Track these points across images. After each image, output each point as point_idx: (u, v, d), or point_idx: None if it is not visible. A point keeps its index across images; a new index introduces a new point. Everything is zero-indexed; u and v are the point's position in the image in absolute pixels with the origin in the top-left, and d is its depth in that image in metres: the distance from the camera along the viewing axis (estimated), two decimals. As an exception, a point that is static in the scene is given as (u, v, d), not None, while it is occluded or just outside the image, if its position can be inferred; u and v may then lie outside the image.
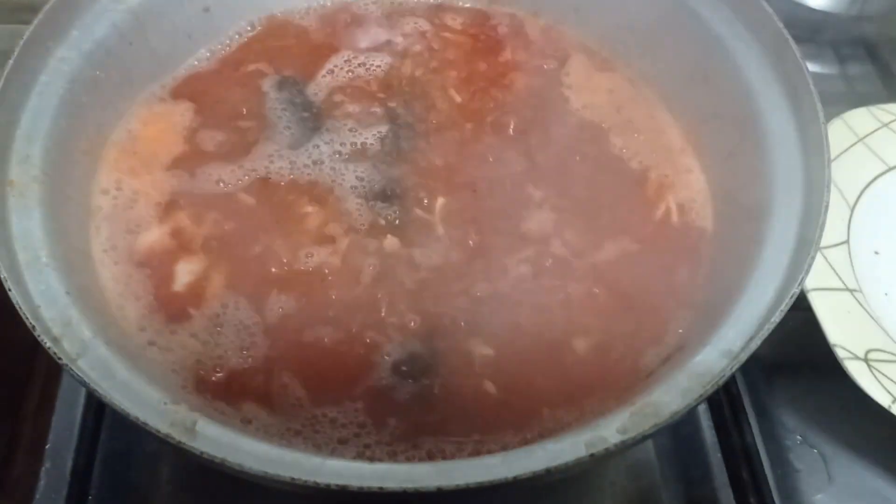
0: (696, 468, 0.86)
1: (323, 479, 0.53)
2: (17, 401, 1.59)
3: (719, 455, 0.85)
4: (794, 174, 0.71)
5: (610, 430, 0.57)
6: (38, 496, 0.83)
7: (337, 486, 0.53)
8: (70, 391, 0.88)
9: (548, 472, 0.54)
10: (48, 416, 1.66)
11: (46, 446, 0.87)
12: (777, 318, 0.60)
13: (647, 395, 0.60)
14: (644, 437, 0.57)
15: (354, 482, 0.53)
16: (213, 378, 0.69)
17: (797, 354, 0.94)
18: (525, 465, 0.55)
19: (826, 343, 0.81)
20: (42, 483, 0.84)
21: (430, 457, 0.65)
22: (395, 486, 0.53)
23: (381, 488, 0.53)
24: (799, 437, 0.90)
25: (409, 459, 0.65)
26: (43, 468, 0.85)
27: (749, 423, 0.84)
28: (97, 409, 0.84)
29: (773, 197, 0.70)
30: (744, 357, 0.59)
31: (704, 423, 0.86)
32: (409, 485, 0.53)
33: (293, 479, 0.53)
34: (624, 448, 0.56)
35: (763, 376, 0.93)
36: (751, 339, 0.62)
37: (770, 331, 0.60)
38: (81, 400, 0.86)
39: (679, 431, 0.86)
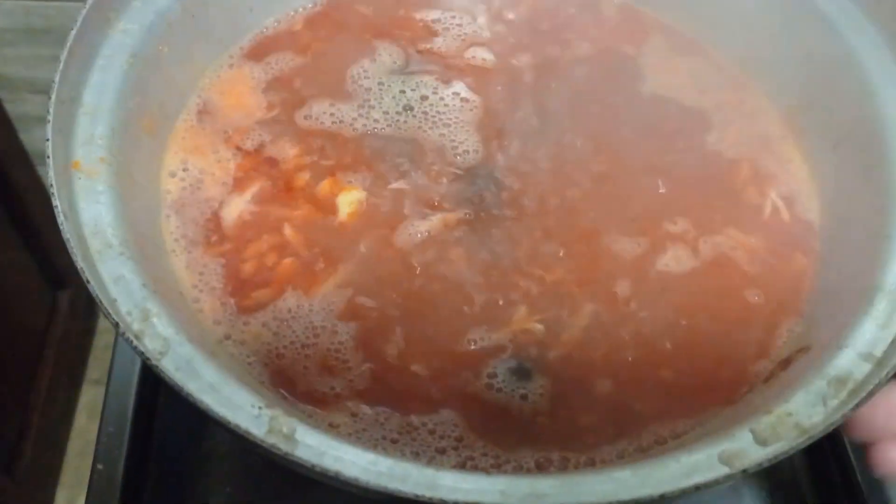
0: (780, 473, 0.81)
1: (451, 497, 0.48)
2: (25, 391, 1.56)
3: (806, 460, 0.81)
4: (920, 164, 0.66)
5: (748, 441, 0.53)
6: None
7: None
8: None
9: (697, 488, 0.49)
10: (56, 407, 1.64)
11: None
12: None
13: (784, 402, 0.55)
14: (793, 451, 0.52)
15: (487, 499, 0.48)
16: (293, 377, 0.64)
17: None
18: (660, 478, 0.50)
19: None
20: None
21: (539, 468, 0.60)
22: (531, 504, 0.48)
23: (515, 507, 0.48)
24: None
25: (516, 470, 0.60)
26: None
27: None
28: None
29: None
30: (895, 363, 0.54)
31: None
32: (548, 503, 0.48)
33: (417, 496, 0.48)
34: (775, 461, 0.51)
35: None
36: (893, 342, 0.57)
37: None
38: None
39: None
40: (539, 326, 0.67)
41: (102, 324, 1.89)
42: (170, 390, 0.80)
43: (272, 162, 0.75)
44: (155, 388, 0.83)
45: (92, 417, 1.80)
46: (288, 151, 0.75)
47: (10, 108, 1.37)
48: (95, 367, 1.86)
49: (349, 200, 0.72)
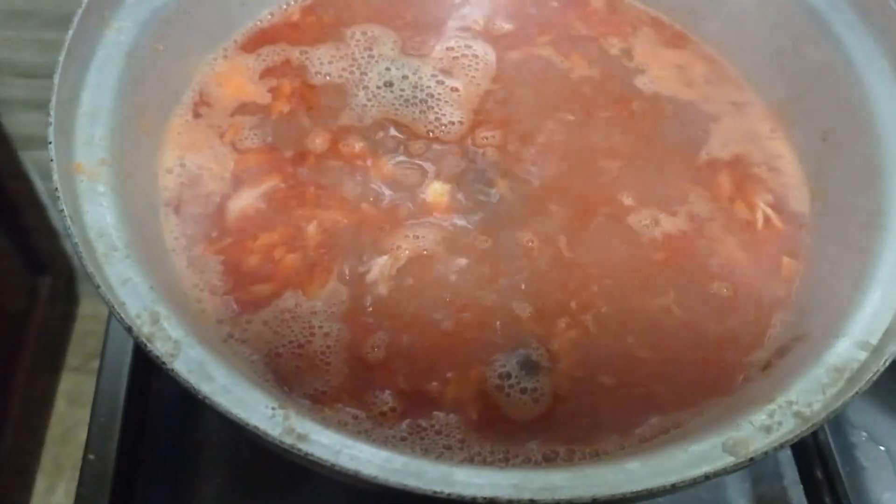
0: (764, 465, 0.83)
1: (467, 492, 0.49)
2: (5, 377, 1.55)
3: (789, 452, 0.82)
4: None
5: (751, 429, 0.54)
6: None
7: (484, 498, 0.49)
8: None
9: (707, 478, 0.51)
10: (36, 393, 1.63)
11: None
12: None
13: (784, 391, 0.57)
14: (796, 438, 0.54)
15: (502, 493, 0.49)
16: (289, 376, 0.65)
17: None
18: (669, 468, 0.52)
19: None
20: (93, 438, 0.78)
21: (547, 460, 0.62)
22: (547, 497, 0.49)
23: (532, 501, 0.49)
24: (864, 434, 0.87)
25: (525, 463, 0.61)
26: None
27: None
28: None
29: (888, 179, 0.67)
30: (892, 350, 0.56)
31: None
32: (563, 495, 0.49)
33: (434, 492, 0.49)
34: (780, 448, 0.53)
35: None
36: (887, 330, 0.59)
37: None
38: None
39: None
40: (541, 321, 0.68)
41: (83, 310, 1.88)
42: (161, 380, 0.81)
43: (287, 152, 0.76)
44: (146, 377, 0.82)
45: (71, 404, 1.79)
46: (314, 142, 0.76)
47: (-8, 92, 1.36)
48: (75, 354, 1.84)
49: (436, 190, 0.74)
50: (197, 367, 0.55)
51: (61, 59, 0.63)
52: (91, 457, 0.77)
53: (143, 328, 0.56)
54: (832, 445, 0.79)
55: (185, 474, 0.80)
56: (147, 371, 0.82)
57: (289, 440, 0.51)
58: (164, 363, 0.53)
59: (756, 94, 0.82)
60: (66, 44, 0.64)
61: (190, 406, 0.83)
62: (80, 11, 0.65)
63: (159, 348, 0.55)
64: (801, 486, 0.80)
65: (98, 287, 0.55)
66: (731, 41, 0.84)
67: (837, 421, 0.85)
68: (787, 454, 0.82)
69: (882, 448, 0.85)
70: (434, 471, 0.51)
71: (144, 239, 0.64)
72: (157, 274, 0.61)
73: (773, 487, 0.81)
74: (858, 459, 0.85)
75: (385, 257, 0.70)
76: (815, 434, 0.79)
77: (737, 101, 0.82)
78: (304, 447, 0.51)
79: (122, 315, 0.55)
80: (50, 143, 0.60)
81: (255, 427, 0.51)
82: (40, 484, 1.72)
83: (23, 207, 1.57)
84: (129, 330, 0.54)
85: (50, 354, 1.78)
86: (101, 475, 0.76)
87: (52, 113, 0.61)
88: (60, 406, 1.82)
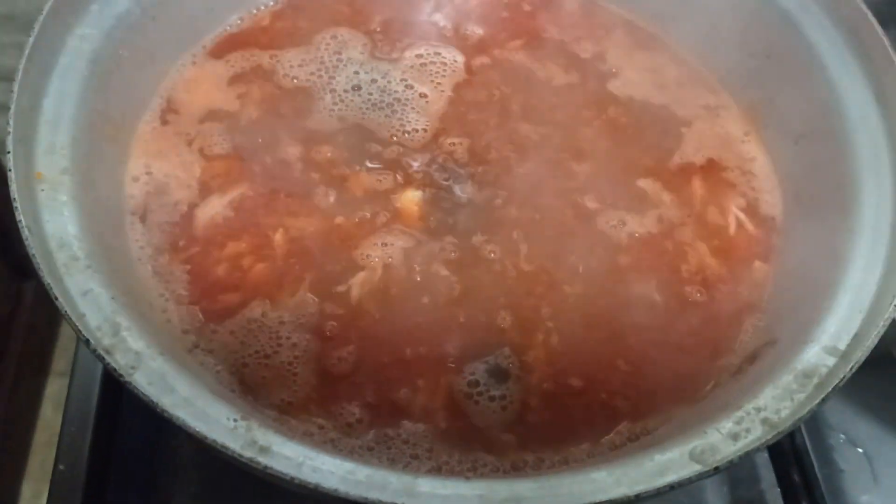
0: (741, 469, 0.82)
1: (431, 504, 0.49)
2: None
3: (766, 455, 0.81)
4: (881, 158, 0.67)
5: (718, 437, 0.54)
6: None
7: (447, 510, 0.49)
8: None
9: (671, 487, 0.50)
10: (21, 398, 1.62)
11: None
12: (890, 314, 0.57)
13: (752, 397, 0.56)
14: (763, 446, 0.53)
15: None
16: (255, 386, 0.64)
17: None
18: (635, 477, 0.51)
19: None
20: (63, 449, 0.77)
21: (515, 468, 0.61)
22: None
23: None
24: (842, 436, 0.86)
25: (493, 472, 0.60)
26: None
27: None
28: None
29: (859, 183, 0.67)
30: (859, 356, 0.56)
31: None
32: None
33: (397, 504, 0.49)
34: (746, 457, 0.52)
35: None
36: (856, 335, 0.58)
37: (885, 328, 0.56)
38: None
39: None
40: (509, 332, 0.68)
41: (67, 315, 1.87)
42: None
43: (256, 158, 0.75)
44: (118, 386, 0.80)
45: (57, 409, 1.77)
46: (283, 148, 0.75)
47: (-28, 95, 1.34)
48: (61, 359, 1.83)
49: (409, 198, 0.73)
50: (158, 379, 0.54)
51: (21, 65, 0.62)
52: (61, 467, 0.76)
53: (103, 340, 0.55)
54: (809, 448, 0.79)
55: (157, 484, 0.79)
56: (119, 381, 0.81)
57: (248, 453, 0.50)
58: (121, 376, 0.52)
59: (729, 97, 0.82)
60: (27, 50, 0.63)
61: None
62: (41, 18, 0.65)
63: (119, 361, 0.54)
64: (779, 490, 0.79)
65: (56, 299, 0.54)
66: (704, 44, 0.83)
67: (815, 423, 0.85)
68: (764, 457, 0.82)
69: (860, 450, 0.85)
70: (397, 482, 0.51)
71: (108, 248, 0.63)
72: (120, 284, 0.60)
73: (751, 490, 0.81)
74: (836, 462, 0.84)
75: (362, 273, 0.69)
76: (792, 436, 0.79)
77: (710, 104, 0.82)
78: (263, 460, 0.50)
79: (81, 327, 0.54)
80: (8, 152, 0.59)
81: (214, 441, 0.50)
82: (27, 490, 1.70)
83: (4, 212, 1.56)
84: (86, 343, 0.53)
85: (35, 359, 1.77)
86: (72, 485, 0.75)
87: (10, 121, 0.60)
88: (47, 411, 1.80)
